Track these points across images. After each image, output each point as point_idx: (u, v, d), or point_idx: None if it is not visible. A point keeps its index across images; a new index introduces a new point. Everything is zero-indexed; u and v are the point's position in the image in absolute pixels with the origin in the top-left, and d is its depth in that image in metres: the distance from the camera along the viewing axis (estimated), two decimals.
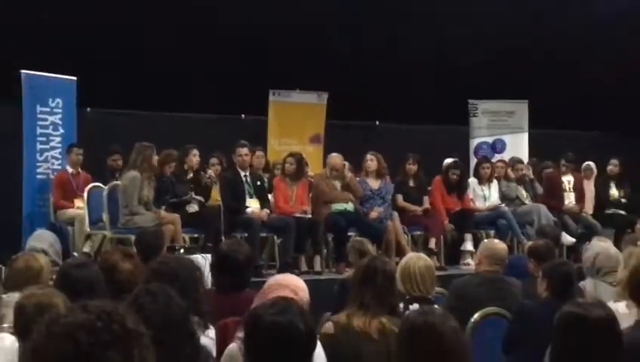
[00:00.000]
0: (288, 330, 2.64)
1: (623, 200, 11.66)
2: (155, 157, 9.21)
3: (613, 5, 12.30)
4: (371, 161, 10.45)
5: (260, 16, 11.19)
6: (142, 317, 2.98)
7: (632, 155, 12.33)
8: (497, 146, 13.08)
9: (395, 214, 10.15)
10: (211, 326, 4.10)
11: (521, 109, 13.31)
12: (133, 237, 7.22)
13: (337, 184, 10.00)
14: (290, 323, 2.66)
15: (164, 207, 9.13)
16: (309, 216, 9.69)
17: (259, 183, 9.80)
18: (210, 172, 10.08)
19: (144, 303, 3.12)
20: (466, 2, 11.13)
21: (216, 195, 9.74)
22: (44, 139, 10.41)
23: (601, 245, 7.08)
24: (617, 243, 8.69)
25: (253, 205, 9.56)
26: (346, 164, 10.26)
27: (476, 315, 5.35)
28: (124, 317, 2.21)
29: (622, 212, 11.38)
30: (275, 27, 11.04)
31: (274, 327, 2.65)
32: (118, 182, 9.22)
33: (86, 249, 9.18)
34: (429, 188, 10.89)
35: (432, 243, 10.28)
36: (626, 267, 5.55)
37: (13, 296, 4.18)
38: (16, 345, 3.64)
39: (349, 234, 9.31)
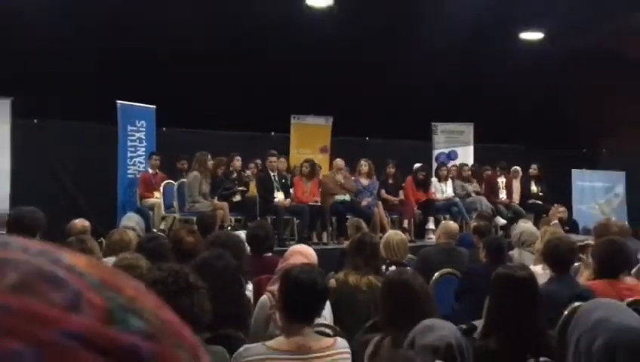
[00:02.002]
0: (310, 283, 2.66)
1: (540, 193, 11.69)
2: (210, 162, 9.30)
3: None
4: (364, 166, 10.48)
5: (285, 55, 11.19)
6: (210, 271, 3.05)
7: (546, 161, 12.32)
8: (451, 155, 13.08)
9: (379, 203, 10.18)
10: (250, 281, 4.13)
11: (468, 129, 13.32)
12: (194, 219, 7.23)
13: (340, 181, 10.03)
14: (312, 279, 2.69)
15: (216, 198, 9.18)
16: (319, 204, 9.72)
17: (283, 181, 9.86)
18: (249, 172, 10.18)
19: (212, 262, 3.16)
20: (428, 53, 11.04)
21: (253, 189, 9.79)
22: (132, 149, 10.55)
23: (525, 225, 7.13)
24: (536, 224, 8.70)
25: (279, 196, 9.60)
26: (345, 167, 10.37)
27: (436, 274, 5.42)
28: (187, 274, 2.25)
29: (539, 202, 11.39)
30: (298, 65, 11.02)
31: (301, 281, 2.67)
32: (184, 180, 9.28)
33: (162, 226, 9.25)
34: (403, 184, 10.91)
35: (405, 224, 10.36)
36: (541, 241, 5.58)
37: (110, 260, 4.22)
38: None
39: (347, 216, 9.32)
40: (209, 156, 9.29)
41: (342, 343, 2.57)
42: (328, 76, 11.46)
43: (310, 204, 9.58)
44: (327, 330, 3.16)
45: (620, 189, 13.57)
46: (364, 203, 9.93)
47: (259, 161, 10.65)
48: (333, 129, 12.33)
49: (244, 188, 9.69)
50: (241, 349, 2.48)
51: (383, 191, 10.61)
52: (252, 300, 3.90)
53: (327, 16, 10.65)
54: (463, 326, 4.08)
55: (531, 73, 12.34)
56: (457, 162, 12.39)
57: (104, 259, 4.44)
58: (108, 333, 0.40)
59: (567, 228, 10.11)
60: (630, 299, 4.21)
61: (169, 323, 0.46)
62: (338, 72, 11.41)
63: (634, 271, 4.89)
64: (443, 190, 11.03)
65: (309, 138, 12.26)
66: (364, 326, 3.20)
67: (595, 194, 13.48)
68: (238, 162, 10.09)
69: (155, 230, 8.70)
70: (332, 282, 4.18)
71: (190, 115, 11.16)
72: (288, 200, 9.64)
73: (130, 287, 0.45)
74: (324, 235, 9.63)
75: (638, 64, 12.29)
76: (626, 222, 9.54)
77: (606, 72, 12.56)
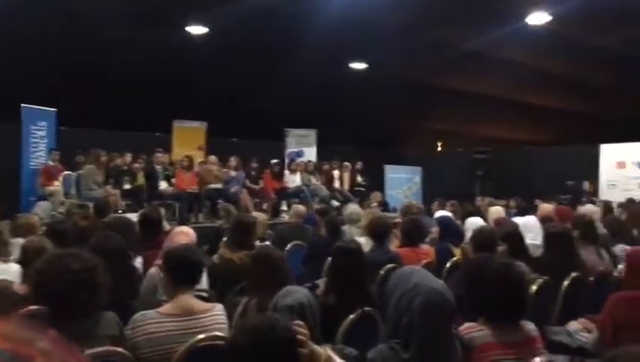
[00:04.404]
0: (189, 259, 2.58)
1: (364, 183, 12.12)
2: (104, 157, 8.72)
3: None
4: (232, 161, 10.35)
5: (168, 71, 10.71)
6: (101, 249, 2.88)
7: (368, 159, 12.83)
8: (300, 154, 13.20)
9: (245, 190, 10.09)
10: (140, 256, 3.93)
11: (312, 133, 13.53)
12: (91, 204, 6.72)
13: (213, 172, 9.81)
14: (190, 255, 2.61)
15: (109, 186, 8.62)
16: (196, 191, 9.43)
17: (167, 173, 9.47)
18: (138, 165, 9.67)
19: (105, 243, 2.98)
20: (283, 72, 11.09)
21: (141, 179, 9.31)
22: (35, 145, 9.60)
23: (353, 207, 7.31)
24: (361, 206, 9.05)
25: (163, 185, 9.22)
26: (218, 162, 10.16)
27: (289, 245, 5.39)
28: (88, 257, 2.10)
29: (363, 189, 11.82)
30: (180, 78, 10.61)
31: (182, 258, 2.58)
32: (81, 171, 8.61)
33: (61, 210, 8.52)
34: (263, 176, 10.90)
35: (265, 206, 10.32)
36: (365, 219, 5.80)
37: (18, 241, 3.86)
38: (20, 270, 3.35)
39: (218, 201, 9.16)
40: (101, 152, 8.69)
41: (219, 306, 2.52)
42: (205, 88, 11.16)
43: (189, 191, 9.28)
44: (205, 294, 3.09)
45: (418, 179, 14.48)
46: (232, 190, 9.79)
47: (145, 157, 10.14)
48: (208, 131, 12.05)
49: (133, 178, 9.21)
50: (137, 315, 2.36)
51: (247, 181, 10.53)
52: (142, 271, 3.71)
53: (204, 40, 10.31)
54: (309, 285, 4.17)
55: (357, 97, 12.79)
56: (304, 159, 12.57)
57: (12, 240, 4.05)
58: None
59: (382, 208, 10.67)
60: (425, 260, 4.52)
61: None
62: (213, 85, 11.14)
63: (428, 239, 5.24)
64: (293, 180, 11.12)
65: (188, 138, 11.86)
66: (234, 290, 3.15)
67: (401, 183, 14.27)
68: (128, 157, 9.58)
69: (54, 213, 8.01)
70: (215, 258, 4.05)
71: (88, 117, 10.40)
72: (171, 188, 9.28)
73: (40, 354, 0.40)
74: (200, 216, 9.37)
75: (438, 89, 13.13)
76: (421, 204, 10.23)
77: (416, 97, 13.32)
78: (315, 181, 11.26)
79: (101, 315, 2.17)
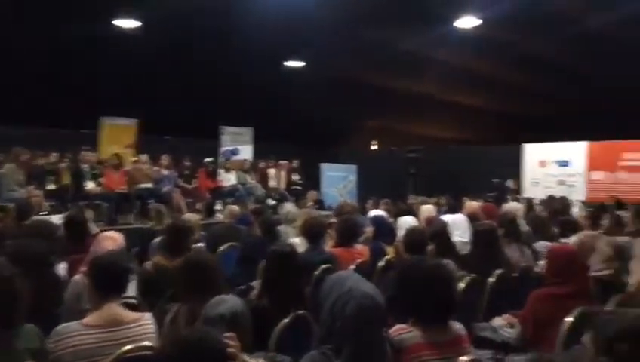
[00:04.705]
0: (116, 267, 2.49)
1: (300, 181, 12.19)
2: (25, 156, 8.22)
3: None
4: (164, 160, 10.09)
5: (96, 66, 10.26)
6: (18, 256, 2.72)
7: (305, 157, 12.89)
8: (235, 152, 13.07)
9: (177, 190, 9.84)
10: (64, 262, 3.75)
11: (248, 132, 13.44)
12: (11, 205, 6.33)
13: (144, 171, 9.52)
14: (116, 263, 2.51)
15: (32, 186, 8.16)
16: (125, 191, 9.11)
17: (94, 172, 9.07)
18: (63, 165, 9.22)
19: (21, 248, 2.83)
20: (214, 69, 10.91)
21: (67, 179, 8.88)
22: None
23: (289, 206, 7.34)
24: (297, 204, 9.07)
25: (90, 185, 8.84)
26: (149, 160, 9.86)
27: (222, 246, 5.28)
28: (4, 265, 1.98)
29: (299, 188, 11.88)
30: (109, 71, 10.18)
31: (108, 265, 2.48)
32: (1, 170, 8.09)
33: None
34: (197, 175, 10.69)
35: (198, 206, 10.12)
36: (301, 219, 5.80)
37: None
38: None
39: (149, 201, 8.88)
40: (24, 151, 8.19)
41: (148, 315, 2.44)
42: (136, 84, 10.79)
43: (118, 191, 8.94)
44: (133, 301, 2.99)
45: (353, 177, 14.68)
46: (164, 189, 9.53)
47: (71, 155, 9.67)
48: (139, 128, 11.66)
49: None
50: (59, 327, 2.25)
51: (180, 180, 10.29)
52: (68, 277, 3.54)
53: (135, 34, 9.95)
54: (243, 287, 4.12)
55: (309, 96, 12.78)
56: (239, 157, 12.44)
57: None
58: None
59: (317, 206, 10.73)
60: (359, 260, 4.60)
61: None
62: (144, 79, 10.77)
63: (361, 239, 5.31)
64: (228, 179, 10.97)
65: (118, 136, 11.45)
66: (165, 296, 3.06)
67: (337, 181, 14.42)
68: (52, 157, 9.13)
69: None
70: (149, 265, 3.90)
71: (8, 112, 9.77)
72: (99, 188, 8.90)
73: None
74: (130, 217, 9.05)
75: (373, 88, 13.35)
76: (357, 202, 10.39)
77: (351, 96, 13.48)
78: (250, 180, 11.17)
79: (21, 327, 2.06)
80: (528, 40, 10.24)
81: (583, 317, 2.65)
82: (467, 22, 9.30)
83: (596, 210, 5.92)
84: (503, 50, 10.68)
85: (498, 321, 3.28)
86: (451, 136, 17.39)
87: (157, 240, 5.22)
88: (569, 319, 2.69)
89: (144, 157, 9.83)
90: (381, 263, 4.59)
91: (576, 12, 8.86)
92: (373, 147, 18.28)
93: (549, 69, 11.70)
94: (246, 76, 11.23)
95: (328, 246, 4.86)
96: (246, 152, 13.06)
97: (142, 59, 10.40)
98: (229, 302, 1.97)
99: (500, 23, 9.21)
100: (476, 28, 9.45)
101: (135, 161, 9.91)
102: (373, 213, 6.83)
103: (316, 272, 4.04)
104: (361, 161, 15.00)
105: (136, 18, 9.40)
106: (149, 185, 9.38)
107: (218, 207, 10.26)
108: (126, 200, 9.00)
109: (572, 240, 4.19)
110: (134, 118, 11.55)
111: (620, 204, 7.55)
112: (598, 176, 12.24)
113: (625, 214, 6.58)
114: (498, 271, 4.00)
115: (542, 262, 4.07)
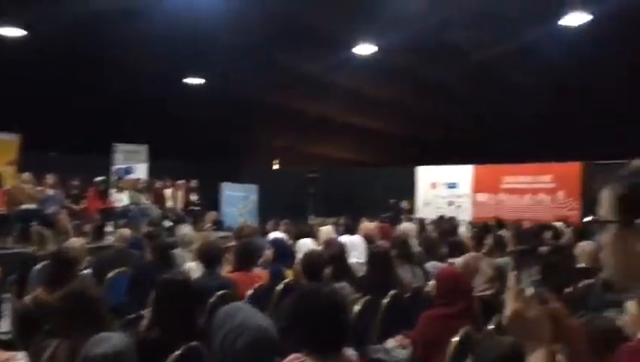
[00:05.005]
0: None
1: (198, 201, 11.90)
2: None
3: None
4: (50, 178, 9.42)
5: None
6: None
7: (203, 176, 12.57)
8: (129, 170, 12.45)
9: (64, 211, 9.17)
10: None
11: (143, 149, 12.93)
12: None
13: (26, 191, 8.78)
14: None
15: None
16: (5, 212, 8.35)
17: None
18: None
19: None
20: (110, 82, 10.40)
21: None
22: None
23: (186, 229, 7.03)
24: (195, 225, 8.82)
25: None
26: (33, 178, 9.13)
27: (111, 273, 4.99)
28: None
29: (197, 208, 11.59)
30: None
31: None
32: None
33: None
34: (86, 194, 10.06)
35: (86, 228, 9.48)
36: (197, 243, 5.62)
37: None
38: None
39: (32, 223, 8.19)
40: None
41: (21, 355, 2.23)
42: (17, 96, 10.00)
43: None
44: (5, 337, 2.73)
45: (254, 197, 14.59)
46: (49, 210, 8.84)
47: None
48: (21, 144, 10.80)
49: None
50: None
51: (67, 201, 9.62)
52: None
53: (20, 45, 9.23)
54: (132, 317, 3.90)
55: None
56: (133, 176, 11.90)
57: None
58: None
59: (216, 227, 10.53)
60: (258, 283, 4.55)
61: None
62: (26, 92, 10.03)
63: (260, 261, 5.27)
64: (121, 199, 10.42)
65: None
66: (42, 332, 2.81)
67: (237, 201, 14.26)
68: None
69: None
70: (28, 299, 3.54)
71: None
72: None
73: None
74: (9, 240, 8.29)
75: (275, 108, 13.40)
76: (258, 222, 10.33)
77: (253, 115, 13.44)
78: (145, 200, 10.72)
79: None
80: (422, 67, 10.87)
81: (468, 336, 2.80)
82: (364, 49, 9.69)
83: (480, 230, 6.34)
84: (398, 76, 11.24)
85: (391, 343, 3.39)
86: (350, 157, 17.92)
87: (39, 266, 4.86)
88: (455, 339, 2.84)
89: (27, 175, 9.07)
90: (280, 287, 4.57)
91: (466, 45, 9.56)
92: (275, 166, 18.34)
93: (442, 95, 12.48)
94: (142, 91, 10.84)
95: (225, 270, 4.77)
96: (141, 171, 12.52)
97: (26, 69, 9.69)
98: (112, 339, 1.85)
99: (396, 51, 9.70)
100: (373, 54, 9.86)
101: (16, 180, 9.13)
102: (273, 235, 6.81)
103: (212, 299, 3.94)
104: (263, 180, 14.97)
105: (21, 26, 8.75)
106: (33, 205, 8.67)
107: (109, 228, 9.71)
108: (5, 222, 8.25)
109: (458, 261, 4.43)
110: (16, 132, 10.68)
111: (500, 225, 8.15)
112: (482, 197, 13.16)
113: (506, 233, 7.12)
114: (392, 292, 4.13)
115: (432, 282, 4.27)
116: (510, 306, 1.06)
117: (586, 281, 3.92)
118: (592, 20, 7.89)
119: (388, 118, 14.50)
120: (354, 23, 8.67)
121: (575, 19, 7.93)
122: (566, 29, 8.21)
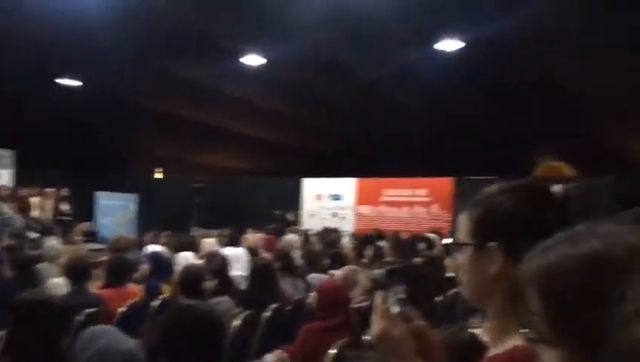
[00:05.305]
0: None
1: (69, 211, 11.11)
2: None
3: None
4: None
5: None
6: None
7: (76, 184, 11.78)
8: None
9: None
10: None
11: (8, 155, 11.86)
12: None
13: None
14: None
15: None
16: None
17: None
18: None
19: None
20: None
21: None
22: None
23: (54, 242, 6.41)
24: (65, 236, 8.18)
25: None
26: None
27: None
28: None
29: (68, 218, 10.81)
30: None
31: None
32: None
33: None
34: None
35: None
36: (66, 255, 5.20)
37: None
38: None
39: None
40: None
41: None
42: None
43: None
44: None
45: (133, 207, 13.90)
46: None
47: None
48: None
49: None
50: None
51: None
52: None
53: None
54: None
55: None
56: None
57: None
58: None
59: (88, 239, 9.83)
60: (132, 300, 4.30)
61: None
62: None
63: (135, 276, 4.99)
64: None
65: None
66: None
67: (114, 211, 13.48)
68: None
69: None
70: None
71: None
72: None
73: None
74: None
75: (159, 115, 12.86)
76: (136, 233, 9.83)
77: (134, 121, 12.78)
78: (8, 209, 9.79)
79: None
80: (310, 82, 11.06)
81: (344, 348, 2.84)
82: (253, 59, 9.66)
83: (360, 242, 6.54)
84: (287, 87, 11.33)
85: (269, 358, 3.35)
86: (237, 166, 17.72)
87: None
88: (332, 351, 2.87)
89: None
90: (156, 303, 4.36)
91: (353, 64, 9.86)
92: (158, 175, 17.61)
93: (330, 110, 12.77)
94: (6, 91, 9.88)
95: (95, 287, 4.46)
96: (5, 178, 11.41)
97: None
98: None
99: (283, 64, 9.77)
100: (261, 66, 9.86)
101: None
102: (150, 248, 6.49)
103: (79, 317, 3.67)
104: (144, 189, 14.31)
105: None
106: None
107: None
108: None
109: (338, 273, 4.53)
110: None
111: (380, 236, 8.48)
112: (364, 209, 13.65)
113: (385, 244, 7.42)
114: (273, 306, 4.11)
115: (314, 294, 4.31)
116: (376, 325, 1.07)
117: (454, 290, 4.18)
118: (464, 47, 8.53)
119: (277, 129, 14.56)
120: (242, 34, 8.61)
121: (449, 45, 8.52)
122: (442, 53, 8.80)
